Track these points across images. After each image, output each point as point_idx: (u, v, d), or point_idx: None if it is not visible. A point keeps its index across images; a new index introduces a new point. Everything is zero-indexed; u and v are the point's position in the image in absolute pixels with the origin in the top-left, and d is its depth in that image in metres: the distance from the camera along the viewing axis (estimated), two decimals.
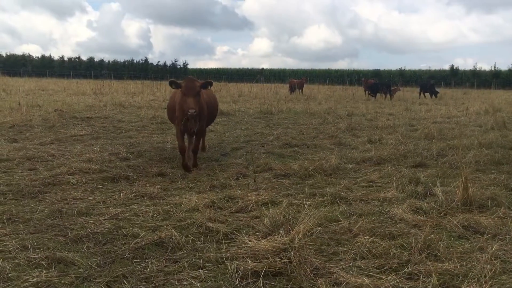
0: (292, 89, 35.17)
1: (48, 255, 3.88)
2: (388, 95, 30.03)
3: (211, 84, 7.54)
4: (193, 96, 6.96)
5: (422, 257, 3.93)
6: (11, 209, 5.14)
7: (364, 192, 6.16)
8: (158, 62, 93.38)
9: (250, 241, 4.08)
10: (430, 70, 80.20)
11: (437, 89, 34.04)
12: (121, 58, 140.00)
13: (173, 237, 4.31)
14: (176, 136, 7.86)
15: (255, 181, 6.45)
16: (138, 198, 5.81)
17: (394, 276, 3.60)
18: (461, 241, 4.45)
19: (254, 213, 5.20)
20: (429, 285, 3.45)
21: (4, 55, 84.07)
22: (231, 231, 4.61)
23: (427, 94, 33.38)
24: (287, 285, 3.51)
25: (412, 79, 71.56)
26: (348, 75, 78.34)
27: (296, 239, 3.98)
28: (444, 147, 9.62)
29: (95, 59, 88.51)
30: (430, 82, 37.61)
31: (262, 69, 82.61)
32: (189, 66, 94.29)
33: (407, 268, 3.73)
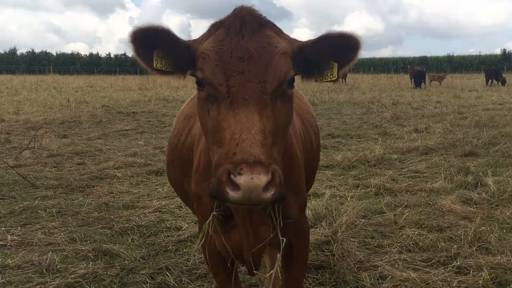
0: None
1: (95, 247, 3.99)
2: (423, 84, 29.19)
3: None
4: (262, 101, 1.57)
5: (473, 250, 3.76)
6: (60, 203, 5.32)
7: (410, 183, 5.98)
8: None
9: None
10: (480, 55, 77.07)
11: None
12: None
13: None
14: (209, 261, 2.38)
15: None
16: None
17: (442, 270, 3.47)
18: None
19: None
20: (479, 280, 3.29)
21: (55, 54, 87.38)
22: None
23: (491, 81, 31.04)
24: (330, 279, 3.45)
25: (462, 65, 69.09)
26: (393, 63, 76.52)
27: (339, 231, 3.90)
28: (496, 135, 9.21)
29: None
30: (495, 68, 35.37)
31: None
32: None
33: (456, 262, 3.59)
